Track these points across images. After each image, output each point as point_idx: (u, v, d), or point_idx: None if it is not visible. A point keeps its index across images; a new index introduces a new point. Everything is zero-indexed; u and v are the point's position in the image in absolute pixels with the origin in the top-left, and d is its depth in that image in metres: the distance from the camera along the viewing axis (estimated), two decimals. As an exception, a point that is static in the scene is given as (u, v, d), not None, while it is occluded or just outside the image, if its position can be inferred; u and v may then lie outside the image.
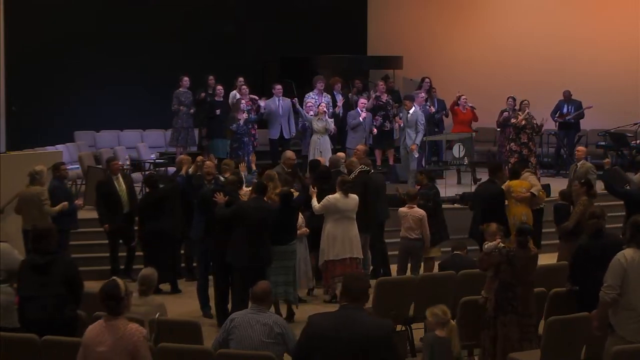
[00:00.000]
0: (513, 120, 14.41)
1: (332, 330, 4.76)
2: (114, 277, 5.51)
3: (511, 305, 7.08)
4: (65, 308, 6.63)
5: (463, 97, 15.66)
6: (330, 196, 9.92)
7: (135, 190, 11.77)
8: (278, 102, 14.75)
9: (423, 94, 15.22)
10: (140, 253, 10.92)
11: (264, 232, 9.02)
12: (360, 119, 14.30)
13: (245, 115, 14.07)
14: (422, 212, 10.26)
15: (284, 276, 9.39)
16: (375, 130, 14.48)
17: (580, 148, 12.42)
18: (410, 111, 14.09)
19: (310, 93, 14.86)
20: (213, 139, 14.76)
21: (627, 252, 6.36)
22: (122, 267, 11.17)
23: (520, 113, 14.45)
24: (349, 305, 4.83)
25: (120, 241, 11.29)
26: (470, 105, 15.66)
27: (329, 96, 14.98)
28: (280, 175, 10.69)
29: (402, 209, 10.31)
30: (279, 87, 14.86)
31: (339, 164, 11.44)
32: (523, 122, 14.30)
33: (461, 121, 15.63)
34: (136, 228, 10.95)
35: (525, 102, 14.55)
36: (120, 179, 11.31)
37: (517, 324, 7.09)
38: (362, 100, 14.70)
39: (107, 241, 11.25)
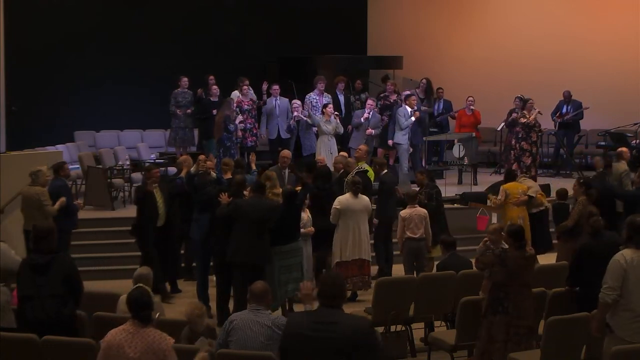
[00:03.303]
0: (523, 120, 14.34)
1: (310, 330, 4.77)
2: (140, 285, 5.49)
3: (502, 306, 7.01)
4: (65, 308, 6.62)
5: (470, 98, 15.61)
6: (340, 197, 9.96)
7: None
8: (275, 102, 14.79)
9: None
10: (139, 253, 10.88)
11: (262, 231, 9.03)
12: (362, 119, 14.30)
13: (240, 117, 14.10)
14: (424, 211, 10.26)
15: (295, 273, 9.42)
16: (372, 132, 14.41)
17: (624, 149, 12.35)
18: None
19: (311, 93, 14.87)
20: (209, 139, 14.77)
21: (626, 253, 6.34)
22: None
23: (526, 112, 14.42)
24: (327, 305, 4.85)
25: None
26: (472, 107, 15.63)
27: (330, 96, 14.98)
28: (276, 174, 10.71)
29: (404, 211, 10.27)
30: (275, 87, 14.90)
31: (348, 164, 11.42)
32: (534, 121, 14.32)
33: (464, 124, 15.57)
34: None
35: (531, 101, 14.53)
36: (158, 190, 10.45)
37: (505, 325, 7.00)
38: (370, 102, 14.70)
39: (101, 241, 10.96)
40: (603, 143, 16.10)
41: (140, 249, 10.40)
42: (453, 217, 11.85)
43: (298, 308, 9.61)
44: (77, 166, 14.34)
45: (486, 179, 15.09)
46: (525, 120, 14.31)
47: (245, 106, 14.49)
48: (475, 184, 14.78)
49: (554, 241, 11.48)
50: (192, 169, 10.62)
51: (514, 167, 13.72)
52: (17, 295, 6.84)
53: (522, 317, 7.08)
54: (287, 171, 11.66)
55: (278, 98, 14.83)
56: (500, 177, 14.26)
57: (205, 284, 9.99)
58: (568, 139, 16.44)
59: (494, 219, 11.67)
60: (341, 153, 12.64)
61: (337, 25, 19.00)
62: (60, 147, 14.47)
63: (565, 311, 7.10)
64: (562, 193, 10.68)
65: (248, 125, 14.47)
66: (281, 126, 14.70)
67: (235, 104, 14.30)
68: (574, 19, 17.45)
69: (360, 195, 10.00)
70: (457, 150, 14.55)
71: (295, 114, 14.45)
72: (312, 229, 10.04)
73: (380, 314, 8.14)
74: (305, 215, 9.98)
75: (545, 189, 12.90)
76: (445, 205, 12.19)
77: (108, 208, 13.18)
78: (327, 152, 13.56)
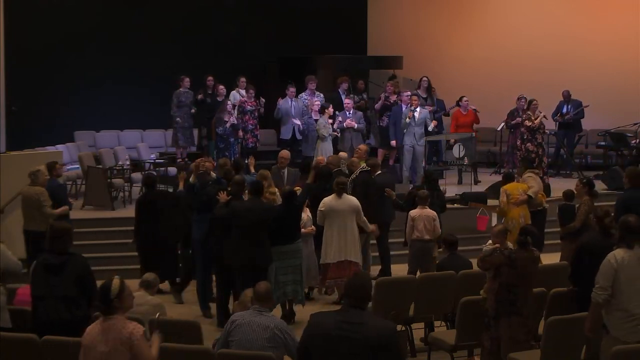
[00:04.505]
0: (529, 123, 14.30)
1: (334, 330, 4.73)
2: (116, 276, 5.46)
3: (514, 306, 7.04)
4: (77, 310, 6.58)
5: (465, 98, 15.58)
6: (325, 199, 9.90)
7: None
8: (290, 103, 14.79)
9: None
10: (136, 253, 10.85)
11: (261, 232, 9.01)
12: (345, 124, 14.27)
13: (233, 119, 14.08)
14: (434, 213, 10.18)
15: (293, 275, 9.39)
16: (354, 124, 14.24)
17: None
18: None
19: (302, 94, 14.88)
20: (210, 140, 14.77)
21: (618, 253, 6.35)
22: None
23: (530, 113, 14.40)
24: (351, 306, 4.82)
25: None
26: (473, 107, 15.58)
27: (322, 95, 14.98)
28: (275, 174, 10.74)
29: (413, 211, 10.21)
30: (292, 89, 14.91)
31: (340, 164, 11.43)
32: (539, 124, 14.30)
33: (461, 124, 15.54)
34: (133, 229, 10.88)
35: (535, 102, 14.51)
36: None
37: (522, 326, 7.06)
38: (347, 101, 14.67)
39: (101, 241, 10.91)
40: (603, 143, 16.11)
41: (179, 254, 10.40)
42: (453, 217, 11.82)
43: (298, 309, 9.63)
44: (77, 166, 14.36)
45: (486, 179, 15.10)
46: (530, 124, 14.28)
47: (248, 107, 14.50)
48: (475, 184, 14.78)
49: (546, 242, 11.49)
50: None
51: None
52: (31, 295, 6.83)
53: (529, 317, 7.16)
54: (285, 171, 11.67)
55: (293, 99, 14.83)
56: (500, 177, 14.33)
57: (206, 283, 9.99)
58: (568, 139, 16.43)
59: (494, 219, 11.66)
60: (341, 153, 12.63)
61: (337, 25, 19.01)
62: (60, 147, 14.49)
63: (565, 311, 7.09)
64: (568, 194, 10.63)
65: (250, 126, 14.47)
66: (296, 127, 14.69)
67: (232, 105, 14.29)
68: (574, 19, 17.44)
69: (345, 195, 9.89)
70: (457, 150, 14.55)
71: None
72: (314, 228, 10.03)
73: (380, 314, 8.13)
74: (305, 215, 9.97)
75: (546, 189, 12.87)
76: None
77: (108, 208, 13.19)
78: (326, 154, 13.56)
